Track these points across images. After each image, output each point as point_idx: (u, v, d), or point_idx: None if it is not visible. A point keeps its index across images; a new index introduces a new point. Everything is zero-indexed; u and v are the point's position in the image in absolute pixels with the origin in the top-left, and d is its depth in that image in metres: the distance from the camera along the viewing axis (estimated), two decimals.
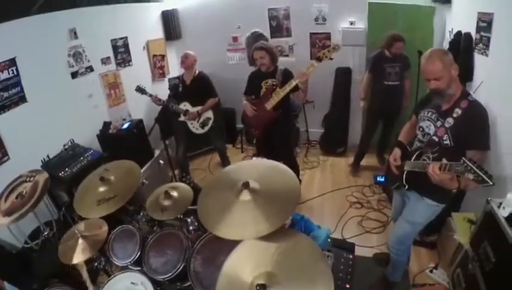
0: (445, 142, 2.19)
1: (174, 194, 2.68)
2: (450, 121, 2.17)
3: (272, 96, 3.70)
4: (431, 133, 2.30)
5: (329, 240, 2.65)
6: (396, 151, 2.53)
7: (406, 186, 2.47)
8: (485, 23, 3.09)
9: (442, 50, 2.34)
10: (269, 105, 3.74)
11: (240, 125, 5.71)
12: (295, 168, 4.08)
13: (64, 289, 2.44)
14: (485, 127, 2.13)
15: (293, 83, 3.52)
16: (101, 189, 2.58)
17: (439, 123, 2.24)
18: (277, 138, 3.99)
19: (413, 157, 2.38)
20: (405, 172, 2.43)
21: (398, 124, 4.56)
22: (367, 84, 4.75)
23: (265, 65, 3.75)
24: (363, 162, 5.22)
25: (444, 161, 1.97)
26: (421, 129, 2.41)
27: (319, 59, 3.42)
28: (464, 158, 1.78)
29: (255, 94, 3.92)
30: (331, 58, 3.45)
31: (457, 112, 2.15)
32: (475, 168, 1.72)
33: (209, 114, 4.68)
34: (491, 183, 1.69)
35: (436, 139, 2.24)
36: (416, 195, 2.48)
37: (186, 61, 4.54)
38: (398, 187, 2.60)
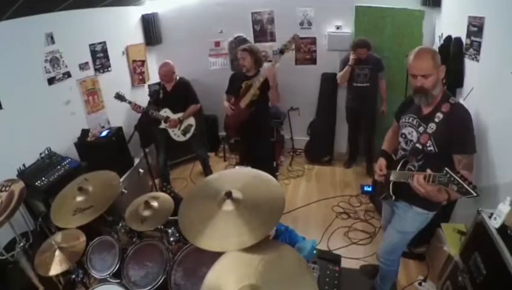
0: (428, 148, 2.16)
1: (155, 204, 2.67)
2: (432, 126, 2.13)
3: (246, 95, 3.88)
4: (414, 140, 2.25)
5: (314, 251, 2.62)
6: (381, 161, 2.47)
7: (393, 197, 2.42)
8: (476, 27, 3.06)
9: (432, 48, 2.30)
10: (243, 103, 3.93)
11: (222, 133, 5.66)
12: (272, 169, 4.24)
13: None
14: (468, 130, 2.09)
15: (261, 78, 3.72)
16: (79, 199, 2.55)
17: (421, 129, 2.20)
18: (253, 136, 4.17)
19: (398, 167, 2.33)
20: (391, 183, 2.38)
21: (379, 130, 4.64)
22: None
23: (245, 67, 3.92)
24: (350, 172, 5.28)
25: (428, 171, 1.92)
26: (403, 136, 2.37)
27: (281, 52, 3.58)
28: (446, 169, 1.74)
29: (234, 95, 4.09)
30: (292, 50, 3.65)
31: (439, 116, 2.11)
32: (458, 179, 1.67)
33: (191, 121, 4.62)
34: (474, 194, 1.64)
35: (420, 147, 2.19)
36: (405, 204, 2.42)
37: (167, 76, 4.47)
38: (385, 197, 2.54)
